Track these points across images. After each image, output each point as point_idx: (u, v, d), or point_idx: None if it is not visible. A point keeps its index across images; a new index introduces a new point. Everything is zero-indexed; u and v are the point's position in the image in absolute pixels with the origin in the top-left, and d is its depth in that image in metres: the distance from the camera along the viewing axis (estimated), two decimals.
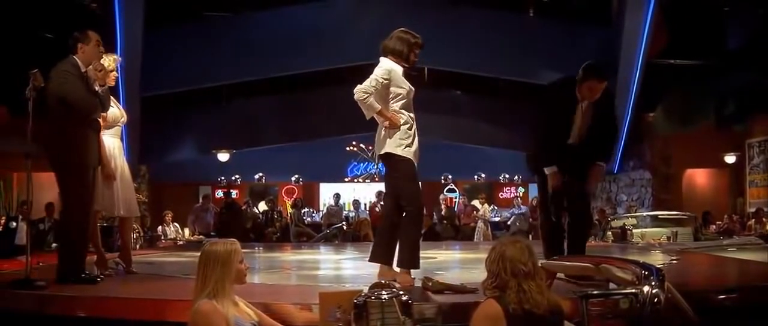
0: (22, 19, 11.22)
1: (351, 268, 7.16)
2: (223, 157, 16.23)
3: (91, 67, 4.88)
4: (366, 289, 3.18)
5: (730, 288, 4.34)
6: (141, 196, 13.15)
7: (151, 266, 6.51)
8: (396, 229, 4.69)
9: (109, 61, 5.37)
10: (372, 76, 4.62)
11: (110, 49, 6.39)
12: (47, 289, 4.35)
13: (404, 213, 4.65)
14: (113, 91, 5.64)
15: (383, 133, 4.69)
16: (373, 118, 4.69)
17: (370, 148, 5.77)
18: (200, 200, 15.98)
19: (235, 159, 16.52)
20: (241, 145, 16.34)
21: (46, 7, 11.45)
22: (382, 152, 4.70)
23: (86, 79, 4.87)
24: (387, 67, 4.66)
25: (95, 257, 5.52)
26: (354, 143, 16.89)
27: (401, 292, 3.08)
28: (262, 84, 15.78)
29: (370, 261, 4.81)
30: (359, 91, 4.55)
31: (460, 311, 3.65)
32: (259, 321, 3.18)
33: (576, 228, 5.24)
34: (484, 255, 3.02)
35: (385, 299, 2.99)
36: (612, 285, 3.63)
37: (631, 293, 2.91)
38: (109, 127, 5.43)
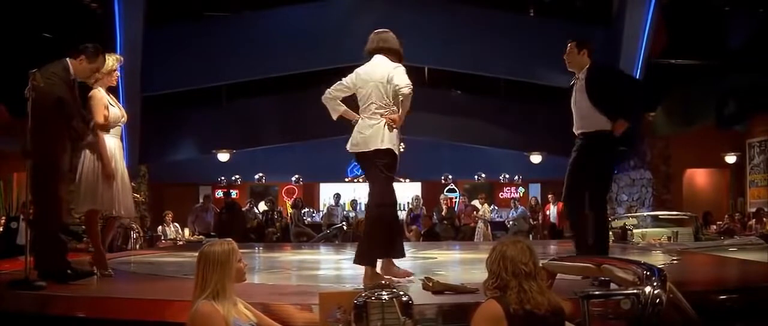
0: (22, 19, 11.20)
1: (351, 268, 7.11)
2: (223, 157, 16.21)
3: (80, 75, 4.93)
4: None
5: (731, 289, 4.34)
6: (140, 196, 13.15)
7: (151, 266, 6.50)
8: (388, 225, 4.74)
9: (112, 60, 5.37)
10: (404, 77, 4.73)
11: (110, 49, 6.39)
12: (47, 289, 4.35)
13: (384, 207, 4.74)
14: (113, 90, 5.64)
15: (382, 128, 4.70)
16: (375, 114, 4.76)
17: None
18: (200, 200, 15.97)
19: (235, 159, 16.49)
20: (241, 145, 16.32)
21: (46, 7, 11.44)
22: (383, 147, 4.68)
23: (72, 85, 4.88)
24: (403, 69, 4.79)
25: (95, 257, 5.50)
26: None
27: (401, 293, 3.08)
28: (262, 84, 15.75)
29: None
30: (408, 86, 4.69)
31: (460, 311, 3.64)
32: (257, 322, 3.17)
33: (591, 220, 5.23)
34: (485, 256, 3.02)
35: (385, 299, 2.99)
36: (613, 286, 3.63)
37: (633, 293, 2.89)
38: (110, 127, 5.38)
